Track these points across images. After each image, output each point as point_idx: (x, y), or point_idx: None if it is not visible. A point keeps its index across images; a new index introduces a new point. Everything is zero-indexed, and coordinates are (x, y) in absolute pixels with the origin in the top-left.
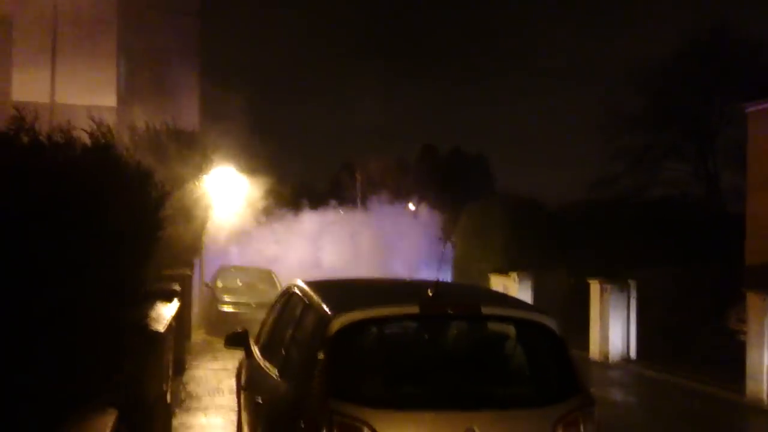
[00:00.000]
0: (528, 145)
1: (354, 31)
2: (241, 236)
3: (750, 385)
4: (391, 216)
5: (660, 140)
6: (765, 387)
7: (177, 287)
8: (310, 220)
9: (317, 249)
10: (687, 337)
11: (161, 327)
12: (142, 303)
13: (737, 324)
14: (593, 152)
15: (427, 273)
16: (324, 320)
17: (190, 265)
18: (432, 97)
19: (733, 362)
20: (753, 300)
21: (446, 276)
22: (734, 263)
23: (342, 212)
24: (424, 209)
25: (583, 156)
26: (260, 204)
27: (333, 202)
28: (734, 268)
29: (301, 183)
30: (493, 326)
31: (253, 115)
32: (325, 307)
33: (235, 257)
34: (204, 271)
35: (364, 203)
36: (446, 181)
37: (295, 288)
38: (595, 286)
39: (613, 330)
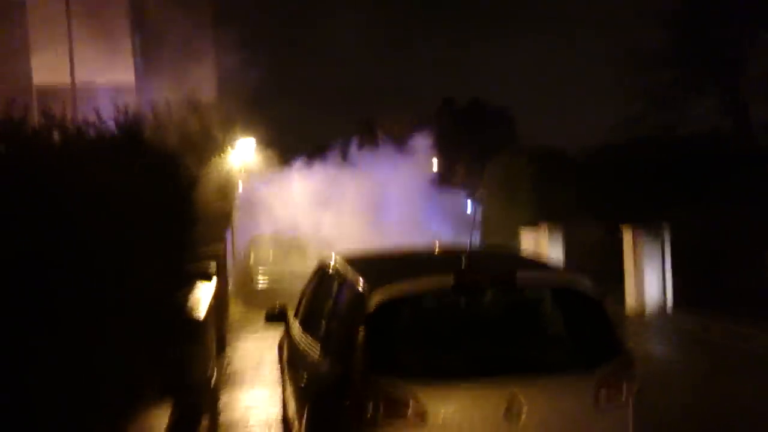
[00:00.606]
0: (548, 92)
1: None
2: (265, 202)
3: None
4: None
5: (684, 75)
6: None
7: (213, 265)
8: (306, 179)
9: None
10: (725, 280)
11: (203, 311)
12: (184, 286)
13: None
14: (619, 95)
15: (438, 229)
16: (362, 295)
17: (223, 239)
18: (448, 48)
19: None
20: None
21: (475, 234)
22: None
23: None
24: (421, 142)
25: (609, 100)
26: (278, 167)
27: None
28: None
29: (319, 144)
30: (528, 292)
31: (271, 78)
32: (361, 281)
33: (264, 224)
34: (236, 243)
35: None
36: (467, 133)
37: (330, 261)
38: (627, 234)
39: (648, 280)
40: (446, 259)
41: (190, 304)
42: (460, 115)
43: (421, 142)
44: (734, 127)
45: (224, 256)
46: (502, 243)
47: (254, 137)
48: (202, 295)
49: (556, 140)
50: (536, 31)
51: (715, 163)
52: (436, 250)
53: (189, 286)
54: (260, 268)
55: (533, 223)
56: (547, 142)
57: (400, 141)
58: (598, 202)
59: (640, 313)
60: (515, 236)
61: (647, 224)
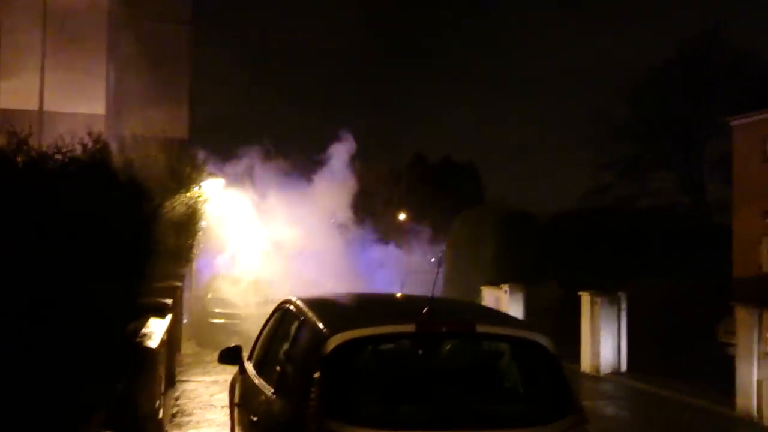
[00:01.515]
0: (518, 154)
1: (344, 38)
2: (232, 244)
3: (739, 399)
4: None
5: (648, 150)
6: (754, 401)
7: (169, 301)
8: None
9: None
10: (677, 349)
11: (155, 343)
12: (137, 319)
13: (726, 337)
14: (583, 162)
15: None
16: (320, 338)
17: (181, 276)
18: (422, 105)
19: (722, 375)
20: (741, 313)
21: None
22: (723, 275)
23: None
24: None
25: (574, 165)
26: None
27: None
28: (723, 280)
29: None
30: (487, 344)
31: (243, 121)
32: (320, 325)
33: (225, 265)
34: (195, 281)
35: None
36: (437, 190)
37: (290, 304)
38: (585, 299)
39: (604, 343)
40: (408, 307)
41: (141, 337)
42: (430, 170)
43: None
44: (692, 203)
45: (181, 292)
46: (467, 299)
47: (223, 178)
48: (155, 330)
49: (523, 202)
50: (509, 96)
51: (673, 236)
52: (398, 296)
53: (142, 320)
54: (218, 307)
55: (495, 281)
56: (514, 203)
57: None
58: (560, 265)
59: (595, 373)
60: (477, 294)
61: (605, 290)
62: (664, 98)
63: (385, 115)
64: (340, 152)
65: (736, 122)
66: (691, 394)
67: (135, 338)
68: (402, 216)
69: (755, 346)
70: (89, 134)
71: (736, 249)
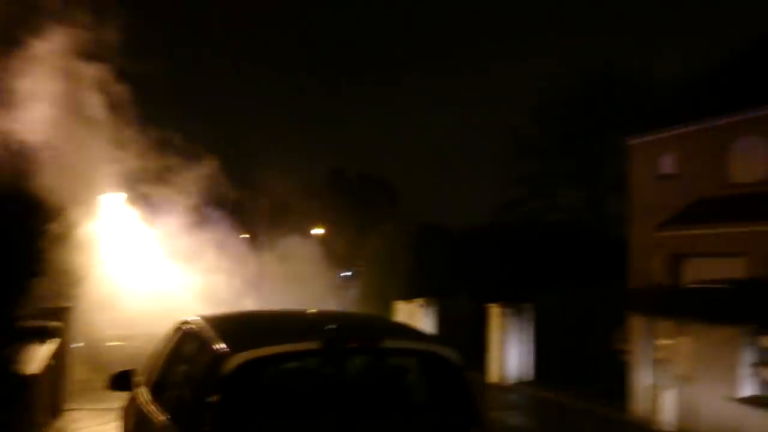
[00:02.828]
0: (433, 169)
1: (258, 51)
2: (130, 263)
3: (633, 403)
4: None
5: (555, 168)
6: (646, 405)
7: (55, 323)
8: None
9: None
10: (579, 358)
11: (33, 369)
12: (15, 342)
13: (622, 344)
14: (497, 178)
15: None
16: (218, 359)
17: (74, 297)
18: (339, 121)
19: (620, 381)
20: (635, 322)
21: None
22: (621, 286)
23: None
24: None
25: (487, 181)
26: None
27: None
28: (621, 291)
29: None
30: (395, 359)
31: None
32: (219, 344)
33: (125, 284)
34: (88, 303)
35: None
36: (353, 205)
37: (190, 323)
38: (494, 311)
39: (511, 353)
40: (313, 323)
41: (15, 363)
42: (347, 185)
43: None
44: (594, 218)
45: (72, 314)
46: (377, 314)
47: (125, 194)
48: (35, 354)
49: (438, 216)
50: (425, 111)
51: (578, 249)
52: (306, 313)
53: (18, 344)
54: (113, 329)
55: (410, 296)
56: (429, 219)
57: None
58: (473, 279)
59: (503, 383)
60: (391, 308)
61: (512, 303)
62: (568, 119)
63: (301, 130)
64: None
65: (632, 142)
66: (590, 400)
67: (8, 364)
68: (319, 231)
69: (647, 352)
70: None
71: (631, 261)
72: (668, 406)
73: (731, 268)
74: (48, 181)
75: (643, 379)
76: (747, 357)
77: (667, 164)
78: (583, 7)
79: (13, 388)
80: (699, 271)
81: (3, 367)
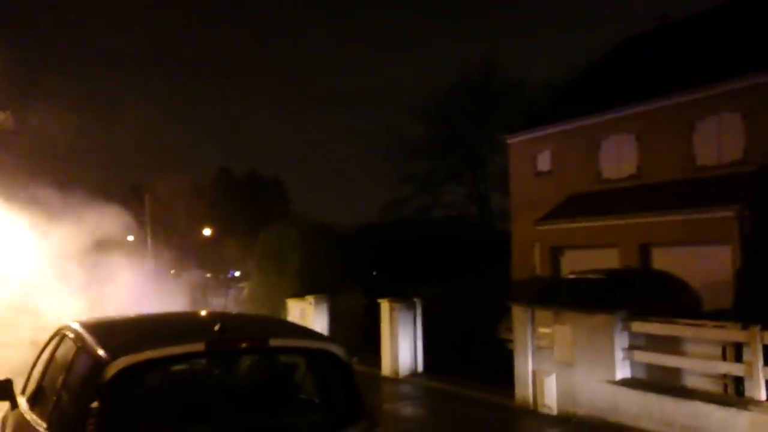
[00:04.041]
0: (322, 168)
1: (144, 45)
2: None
3: (518, 390)
4: None
5: (440, 166)
6: (530, 390)
7: None
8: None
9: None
10: (467, 348)
11: None
12: None
13: (506, 333)
14: (384, 176)
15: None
16: (98, 365)
17: None
18: (226, 119)
19: (505, 369)
20: (517, 312)
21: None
22: (505, 277)
23: None
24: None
25: (376, 180)
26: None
27: None
28: (505, 282)
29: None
30: (283, 357)
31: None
32: (99, 350)
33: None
34: None
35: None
36: (242, 204)
37: (68, 329)
38: (384, 306)
39: (402, 346)
40: (199, 324)
41: None
42: (236, 185)
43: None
44: (479, 213)
45: None
46: (268, 314)
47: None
48: None
49: (328, 215)
50: (312, 110)
51: (464, 244)
52: (190, 314)
53: None
54: None
55: (301, 294)
56: (319, 217)
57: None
58: (363, 275)
59: (395, 376)
60: (283, 307)
61: (402, 297)
62: (451, 118)
63: (188, 130)
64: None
65: (511, 140)
66: (478, 389)
67: None
68: (207, 231)
69: (529, 341)
70: None
71: (514, 254)
72: (550, 390)
73: (605, 259)
74: None
75: (526, 366)
76: (620, 342)
77: (544, 161)
78: (459, 6)
79: None
80: (575, 263)
81: None
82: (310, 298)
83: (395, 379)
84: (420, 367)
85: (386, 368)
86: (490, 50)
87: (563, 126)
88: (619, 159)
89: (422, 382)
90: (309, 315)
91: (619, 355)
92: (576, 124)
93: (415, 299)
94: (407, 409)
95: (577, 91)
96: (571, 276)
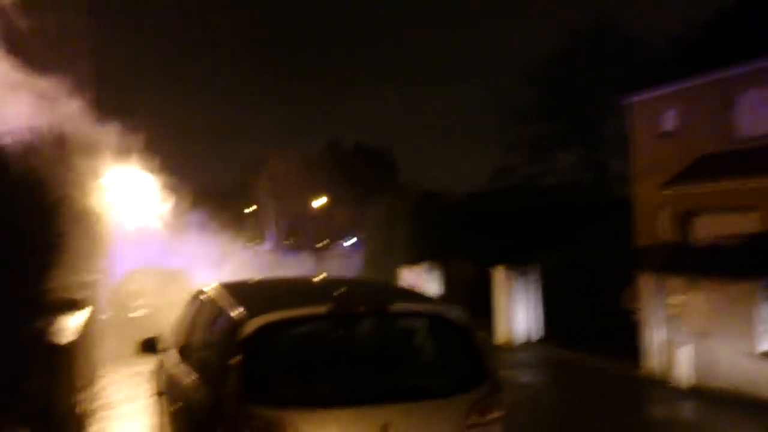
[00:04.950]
0: (430, 136)
1: (250, 27)
2: (145, 236)
3: (645, 360)
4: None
5: (551, 131)
6: (658, 361)
7: (84, 294)
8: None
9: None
10: (586, 318)
11: (67, 338)
12: (48, 314)
13: (630, 303)
14: (492, 142)
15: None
16: (236, 324)
17: (96, 270)
18: (332, 92)
19: (627, 340)
20: (644, 280)
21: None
22: (625, 245)
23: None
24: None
25: (484, 146)
26: (163, 204)
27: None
28: (625, 250)
29: (205, 183)
30: (402, 321)
31: (153, 114)
32: (237, 310)
33: (143, 258)
34: (112, 274)
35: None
36: (351, 175)
37: (207, 291)
38: (498, 273)
39: (517, 314)
40: (323, 289)
41: (50, 333)
42: (344, 156)
43: None
44: (595, 179)
45: (98, 286)
46: (383, 279)
47: (137, 169)
48: (68, 325)
49: (437, 184)
50: (418, 80)
51: (578, 211)
52: (314, 279)
53: (52, 316)
54: (136, 299)
55: (413, 262)
56: (427, 186)
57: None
58: (474, 243)
59: (509, 344)
60: (396, 274)
61: (517, 265)
62: (562, 81)
63: (296, 104)
64: None
65: (630, 101)
66: (600, 358)
67: (43, 335)
68: (318, 201)
69: (659, 310)
70: None
71: (636, 220)
72: (684, 362)
73: (743, 223)
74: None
75: (655, 336)
76: (764, 312)
77: (669, 121)
78: None
79: (53, 357)
80: (709, 228)
81: (40, 337)
82: (422, 266)
83: (510, 348)
84: (536, 336)
85: (500, 336)
86: (602, 7)
87: (691, 82)
88: (757, 115)
89: (539, 350)
90: (421, 282)
91: (761, 326)
92: (706, 79)
93: (531, 266)
94: (525, 377)
95: (703, 44)
96: (705, 241)
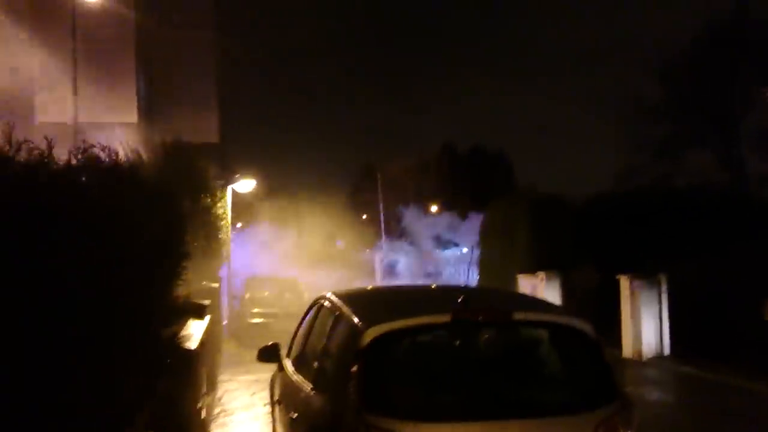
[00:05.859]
0: (549, 138)
1: (365, 32)
2: (261, 245)
3: None
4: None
5: (682, 128)
6: None
7: (207, 301)
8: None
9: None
10: (721, 331)
11: (194, 344)
12: (175, 320)
13: None
14: (615, 143)
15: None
16: (355, 332)
17: (217, 278)
18: (447, 95)
19: None
20: None
21: (472, 278)
22: (766, 251)
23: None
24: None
25: (606, 147)
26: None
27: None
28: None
29: (323, 187)
30: (526, 331)
31: (271, 121)
32: (355, 318)
33: (258, 267)
34: (231, 281)
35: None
36: (466, 180)
37: (325, 300)
38: (624, 282)
39: (646, 326)
40: (442, 297)
41: (180, 339)
42: (460, 160)
43: None
44: (731, 179)
45: (219, 293)
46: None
47: (255, 179)
48: (194, 331)
49: (555, 187)
50: (536, 80)
51: (712, 214)
52: (433, 288)
53: (181, 321)
54: (255, 307)
55: (531, 269)
56: (545, 189)
57: (399, 186)
58: (596, 250)
59: (637, 358)
60: (513, 282)
61: (644, 273)
62: (696, 75)
63: (409, 107)
64: None
65: None
66: (736, 375)
67: (174, 339)
68: (434, 207)
69: None
70: (116, 144)
71: None
72: None
73: None
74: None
75: None
76: None
77: None
78: None
79: (182, 361)
80: None
81: (172, 342)
82: (541, 274)
83: (638, 361)
84: (666, 350)
85: (627, 349)
86: None
87: None
88: None
89: (669, 365)
90: (540, 291)
91: None
92: None
93: (660, 275)
94: (654, 394)
95: None
96: None
